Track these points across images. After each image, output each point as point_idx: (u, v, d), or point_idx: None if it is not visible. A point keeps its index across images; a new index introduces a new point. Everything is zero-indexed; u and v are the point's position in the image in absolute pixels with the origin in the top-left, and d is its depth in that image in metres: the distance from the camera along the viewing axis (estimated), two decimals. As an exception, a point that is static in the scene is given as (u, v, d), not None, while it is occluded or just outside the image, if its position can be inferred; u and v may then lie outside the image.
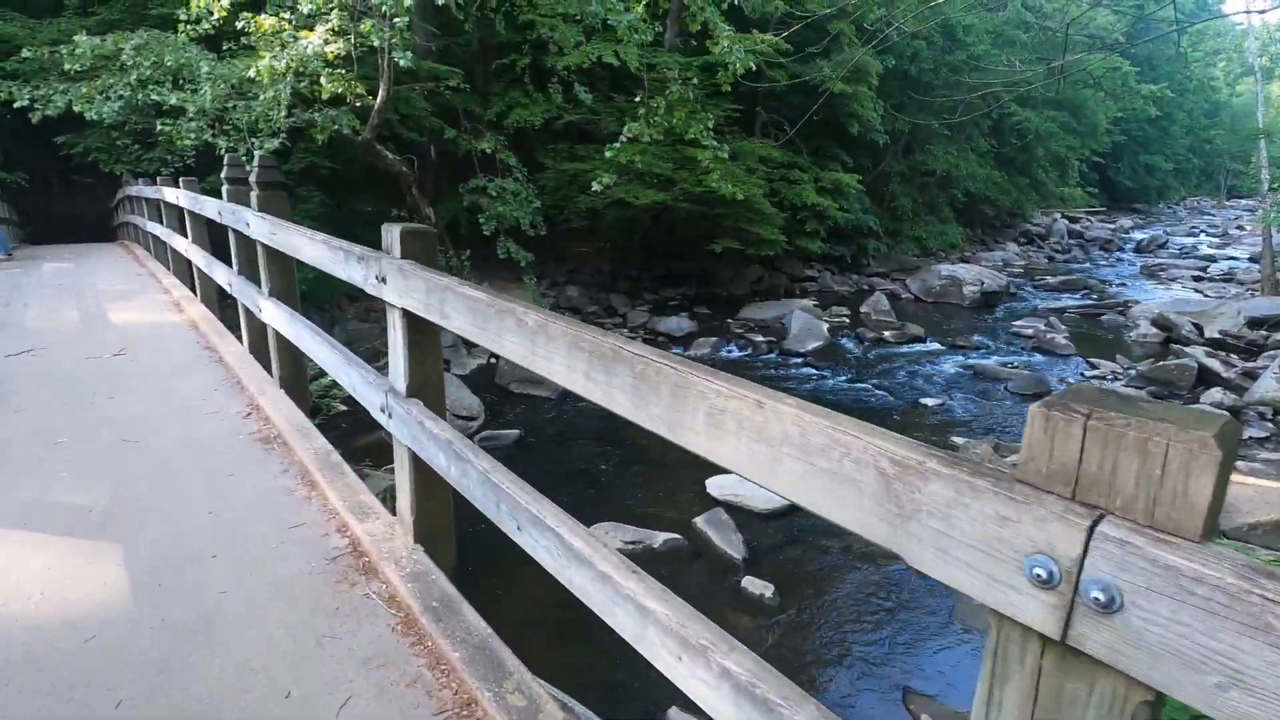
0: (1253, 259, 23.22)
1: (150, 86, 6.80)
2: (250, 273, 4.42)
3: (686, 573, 5.45)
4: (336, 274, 2.73)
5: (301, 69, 5.81)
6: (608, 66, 12.85)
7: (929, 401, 9.25)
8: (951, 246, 19.28)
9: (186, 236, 6.06)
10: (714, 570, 5.50)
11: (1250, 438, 7.96)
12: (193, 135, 6.70)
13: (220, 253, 5.74)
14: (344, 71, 6.41)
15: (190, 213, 5.76)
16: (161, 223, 6.91)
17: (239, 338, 5.02)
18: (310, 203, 9.33)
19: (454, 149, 12.46)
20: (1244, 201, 51.77)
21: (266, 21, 6.05)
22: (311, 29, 5.79)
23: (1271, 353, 10.86)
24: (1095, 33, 19.49)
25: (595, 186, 7.49)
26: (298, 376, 4.19)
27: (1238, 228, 32.01)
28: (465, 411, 8.01)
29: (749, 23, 15.04)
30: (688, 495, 6.73)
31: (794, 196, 14.13)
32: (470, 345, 11.21)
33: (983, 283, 15.65)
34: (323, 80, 6.04)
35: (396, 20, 6.02)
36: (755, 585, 5.21)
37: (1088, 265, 22.65)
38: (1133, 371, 10.66)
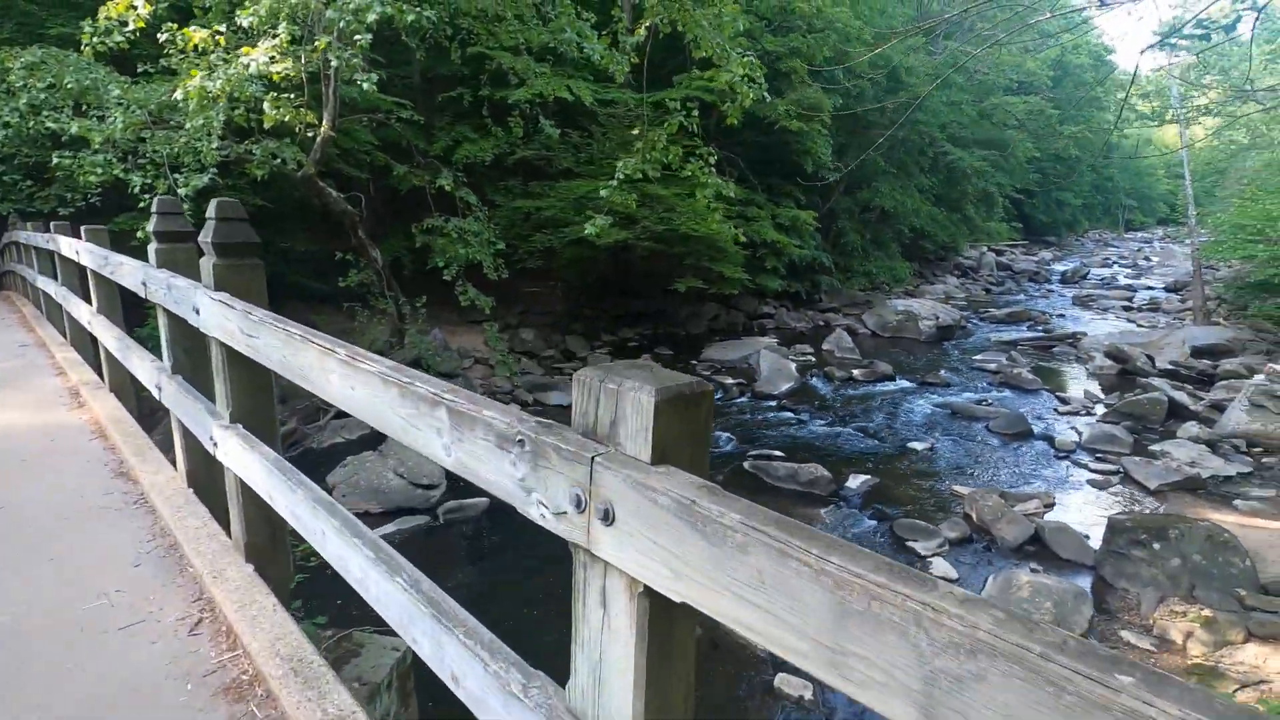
0: (1168, 288, 24.63)
1: (45, 113, 5.74)
2: (196, 378, 3.00)
3: (710, 672, 4.71)
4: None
5: (238, 93, 4.94)
6: (560, 102, 12.35)
7: (917, 445, 8.88)
8: (899, 281, 19.52)
9: (90, 303, 4.64)
10: (741, 667, 4.78)
11: (1237, 474, 7.89)
12: (99, 171, 5.66)
13: (136, 315, 4.58)
14: (291, 96, 5.54)
15: (96, 274, 4.36)
16: (56, 278, 5.62)
17: (171, 456, 3.37)
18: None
19: (398, 186, 11.60)
20: (1139, 234, 56.02)
21: (197, 35, 5.11)
22: (253, 46, 4.93)
23: (1224, 382, 11.10)
24: (1023, 79, 20.50)
25: (590, 230, 6.83)
26: (275, 545, 2.58)
27: (1144, 259, 34.13)
28: (425, 479, 7.07)
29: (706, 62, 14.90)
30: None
31: (753, 233, 13.86)
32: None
33: (938, 317, 15.74)
34: (266, 106, 5.18)
35: (358, 39, 5.22)
36: (791, 685, 4.52)
37: (1022, 297, 23.42)
38: (1099, 407, 10.67)
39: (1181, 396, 10.01)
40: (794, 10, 13.90)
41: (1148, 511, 6.93)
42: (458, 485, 7.43)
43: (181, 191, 5.01)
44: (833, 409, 10.65)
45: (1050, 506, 7.07)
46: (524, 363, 12.66)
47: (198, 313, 2.48)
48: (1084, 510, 7.08)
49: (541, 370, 12.23)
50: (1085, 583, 5.72)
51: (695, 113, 8.66)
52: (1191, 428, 9.16)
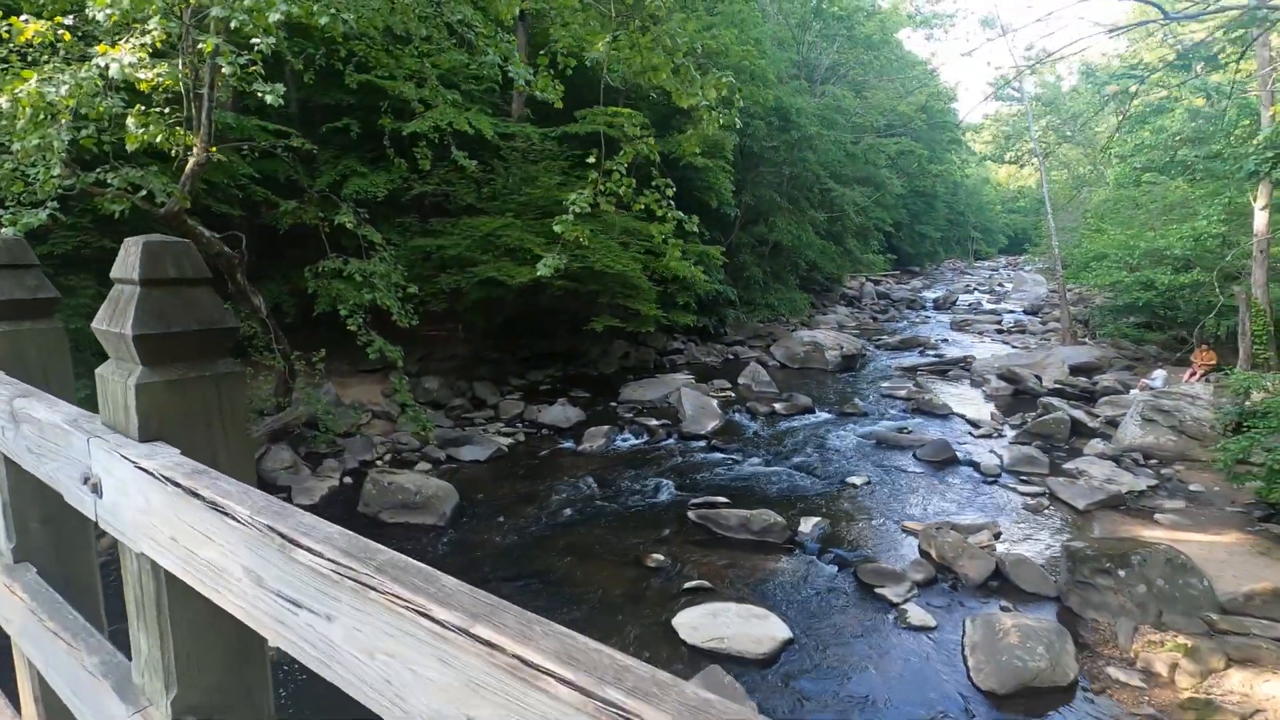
0: (1026, 311, 27.00)
1: None
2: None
3: None
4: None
5: (86, 107, 3.85)
6: (457, 136, 11.59)
7: (855, 480, 8.75)
8: (798, 312, 20.05)
9: None
10: None
11: (1147, 487, 8.30)
12: None
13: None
14: (165, 112, 4.45)
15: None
16: None
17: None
18: (83, 295, 6.89)
19: (276, 224, 10.35)
20: (986, 262, 62.09)
21: (32, 27, 3.92)
22: (111, 45, 3.87)
23: (1106, 398, 11.95)
24: (892, 121, 22.06)
25: (542, 270, 6.12)
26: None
27: (999, 285, 37.48)
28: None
29: (613, 97, 14.66)
30: (655, 642, 5.37)
31: (663, 269, 13.61)
32: (315, 464, 8.97)
33: (842, 347, 16.16)
34: (130, 122, 4.09)
35: (257, 43, 4.27)
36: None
37: (905, 323, 24.79)
38: (1008, 428, 11.13)
39: (1080, 415, 10.61)
40: (704, 48, 14.03)
41: (1094, 535, 7.07)
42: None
43: (7, 231, 3.85)
44: (762, 446, 10.41)
45: (998, 536, 7.06)
46: (430, 414, 11.57)
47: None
48: (1031, 538, 7.12)
49: (450, 422, 11.20)
50: (1056, 617, 5.62)
51: (652, 140, 8.18)
52: (1097, 444, 9.67)
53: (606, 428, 10.69)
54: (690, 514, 7.74)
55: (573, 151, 12.94)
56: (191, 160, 5.43)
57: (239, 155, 7.90)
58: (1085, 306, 24.03)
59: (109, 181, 4.55)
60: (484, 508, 8.02)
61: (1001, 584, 6.18)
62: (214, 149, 4.97)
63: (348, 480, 8.67)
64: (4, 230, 3.93)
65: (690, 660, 5.11)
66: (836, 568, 6.59)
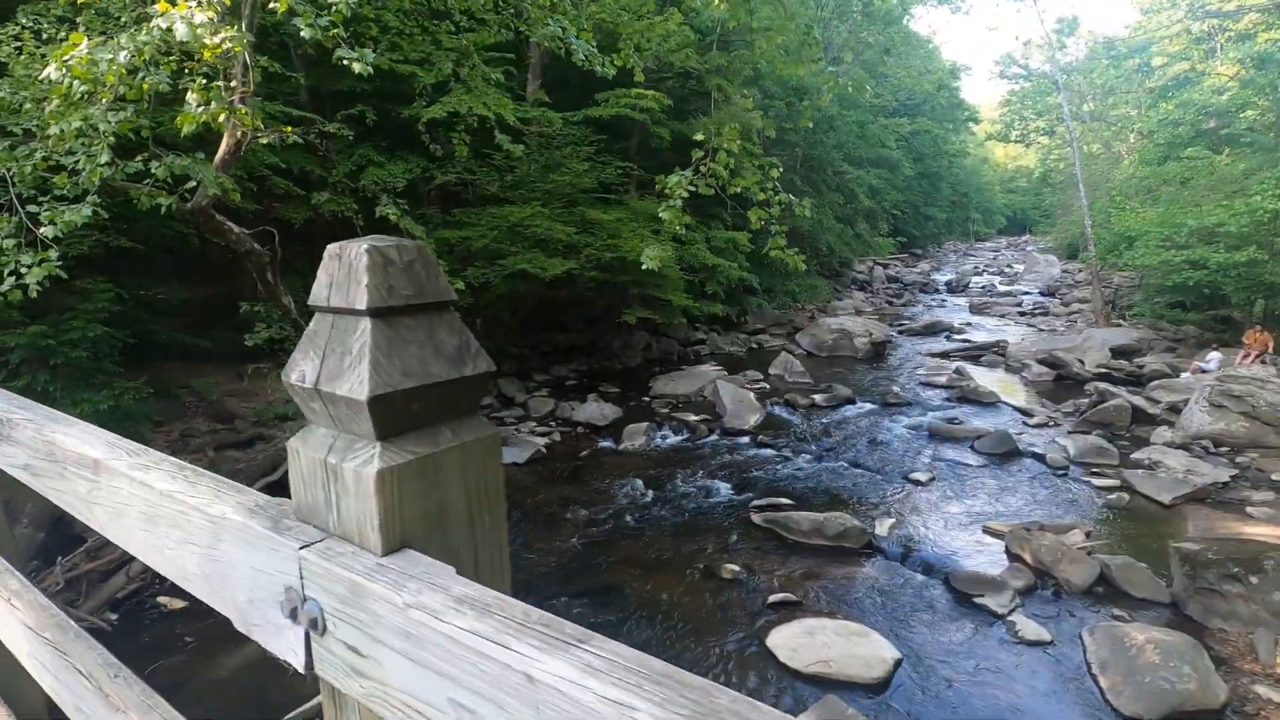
0: (1043, 292, 26.62)
1: None
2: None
3: None
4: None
5: (127, 81, 3.23)
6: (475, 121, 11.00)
7: (920, 476, 8.32)
8: (820, 299, 19.56)
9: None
10: None
11: (1230, 479, 7.90)
12: None
13: None
14: (221, 86, 3.83)
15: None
16: None
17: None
18: (100, 299, 6.35)
19: (288, 219, 9.78)
20: (987, 244, 61.71)
21: None
22: (174, 3, 3.23)
23: (1157, 382, 11.54)
24: (911, 100, 21.52)
25: (649, 263, 5.58)
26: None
27: (1009, 266, 37.07)
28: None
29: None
30: (754, 667, 4.92)
31: (691, 257, 13.12)
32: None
33: (871, 334, 15.70)
34: (191, 96, 3.49)
35: (334, 2, 3.70)
36: None
37: (920, 308, 24.36)
38: (1059, 415, 10.71)
39: (1140, 401, 10.19)
40: (732, 25, 13.43)
41: (1191, 533, 6.64)
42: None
43: (47, 231, 3.33)
44: (809, 441, 9.97)
45: (1089, 536, 6.64)
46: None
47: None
48: (1125, 537, 6.71)
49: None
50: (1179, 626, 5.21)
51: (759, 115, 7.45)
52: (1164, 432, 9.26)
53: (645, 425, 10.22)
54: (754, 518, 7.30)
55: (598, 136, 12.39)
56: (224, 144, 4.87)
57: (260, 144, 7.31)
58: (1106, 287, 23.67)
59: (152, 171, 4.02)
60: (533, 515, 7.55)
61: (1108, 590, 5.76)
62: (258, 127, 4.38)
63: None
64: (45, 231, 3.41)
65: (797, 688, 4.67)
66: (923, 575, 6.16)
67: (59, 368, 6.13)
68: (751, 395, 11.61)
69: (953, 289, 28.82)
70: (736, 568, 6.24)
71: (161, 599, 5.80)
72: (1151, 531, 6.86)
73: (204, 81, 3.55)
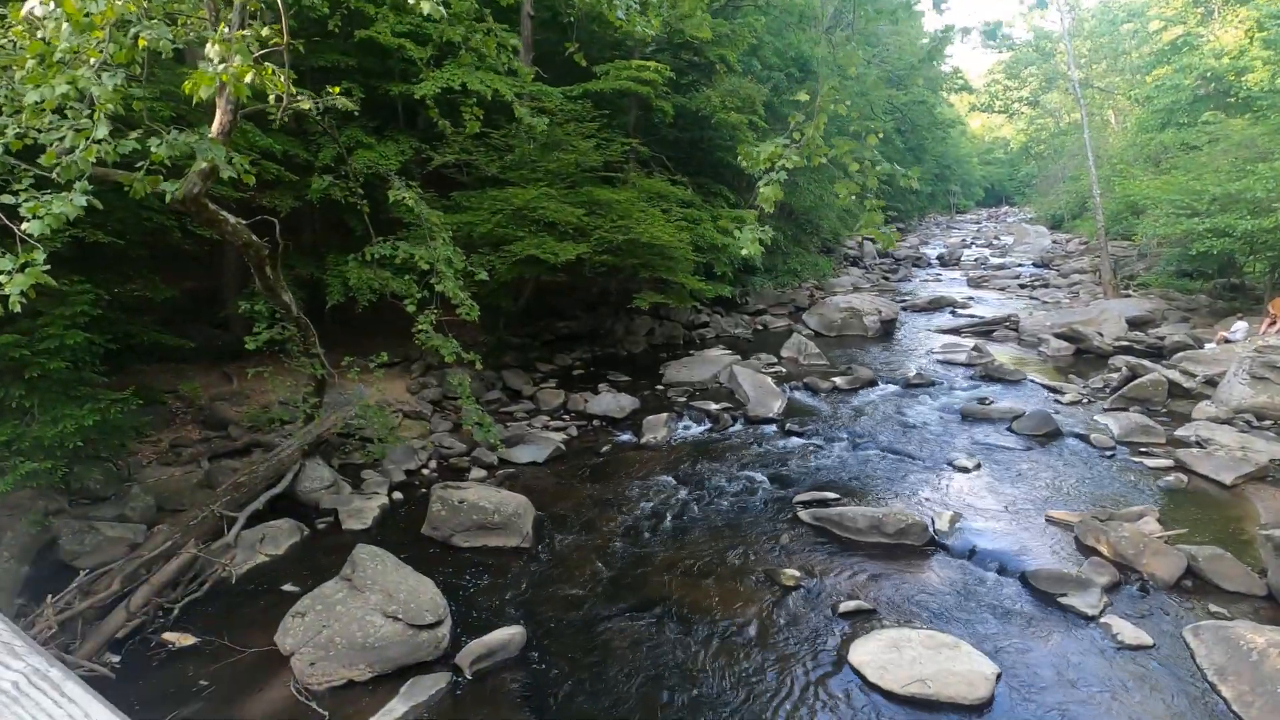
0: (1036, 264, 26.46)
1: None
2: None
3: None
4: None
5: (119, 40, 2.58)
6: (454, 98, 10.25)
7: (965, 463, 7.93)
8: (823, 276, 19.13)
9: None
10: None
11: (1283, 453, 7.61)
12: None
13: None
14: (246, 35, 3.09)
15: None
16: None
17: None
18: (78, 301, 5.63)
19: (274, 207, 9.02)
20: (968, 216, 61.76)
21: None
22: None
23: (1182, 354, 11.27)
24: (905, 70, 21.02)
25: (749, 249, 5.00)
26: None
27: (996, 239, 36.98)
28: (416, 614, 4.95)
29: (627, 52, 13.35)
30: (842, 690, 4.48)
31: (698, 237, 12.55)
32: (354, 479, 7.86)
33: (880, 311, 15.32)
34: (212, 51, 2.74)
35: None
36: None
37: (916, 282, 24.07)
38: (1090, 392, 10.41)
39: (1175, 375, 9.90)
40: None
41: (1264, 516, 6.32)
42: (466, 614, 5.39)
43: (32, 228, 2.67)
44: (838, 427, 9.54)
45: (1161, 523, 6.28)
46: (465, 410, 10.48)
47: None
48: (1197, 523, 6.37)
49: (490, 419, 10.11)
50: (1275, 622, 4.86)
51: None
52: (1207, 407, 8.97)
53: (665, 416, 9.71)
54: (802, 515, 6.86)
55: (600, 112, 11.70)
56: (219, 117, 4.17)
57: (248, 124, 6.59)
58: (1096, 256, 23.55)
59: (152, 150, 3.32)
60: (562, 521, 7.02)
61: (1197, 584, 5.41)
62: (292, 93, 3.68)
63: (397, 496, 7.60)
64: (28, 226, 2.75)
65: (894, 712, 4.24)
66: (996, 573, 5.76)
67: (35, 380, 5.44)
68: (770, 380, 11.16)
69: (945, 263, 28.62)
70: (797, 573, 5.79)
71: (167, 635, 5.20)
72: (1221, 515, 6.54)
73: (225, 30, 2.90)
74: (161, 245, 8.61)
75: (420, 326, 6.50)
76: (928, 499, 7.14)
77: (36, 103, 2.61)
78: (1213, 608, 5.10)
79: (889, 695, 4.34)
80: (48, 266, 2.71)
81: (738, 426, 9.73)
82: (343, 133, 10.48)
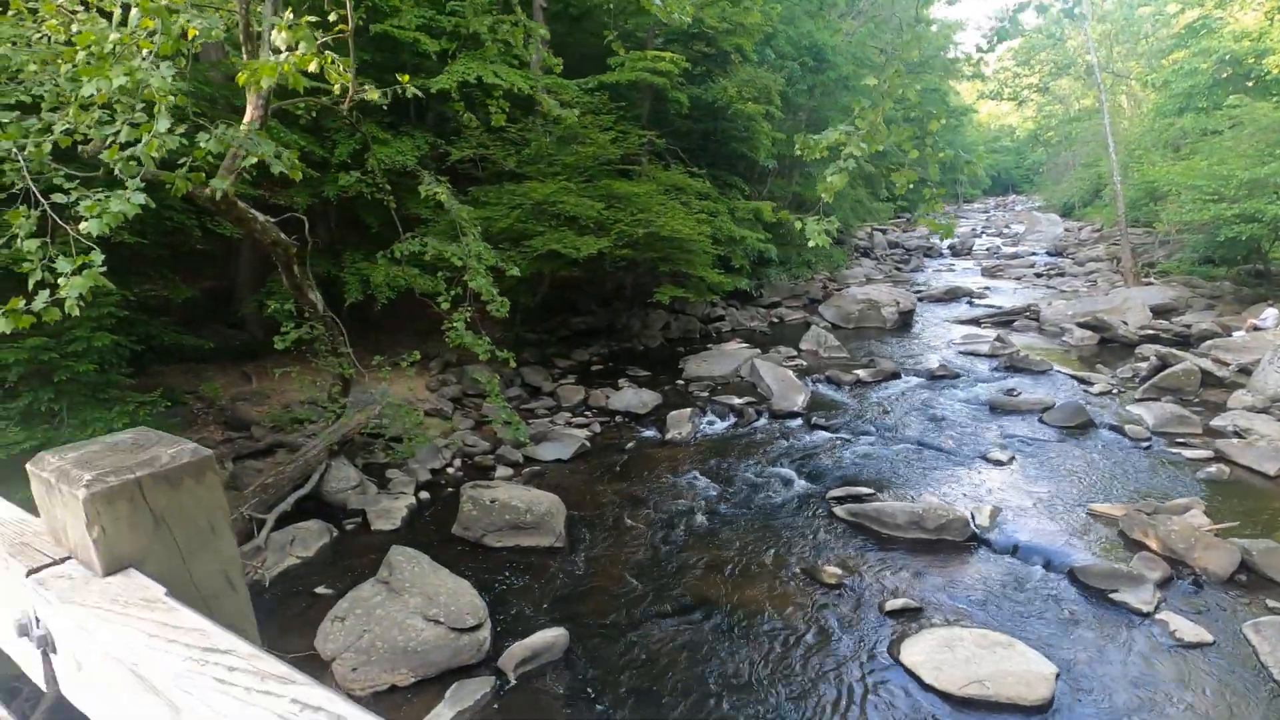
0: (1050, 252, 26.21)
1: None
2: None
3: None
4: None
5: (167, 29, 2.47)
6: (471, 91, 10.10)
7: (999, 456, 7.81)
8: (837, 268, 18.97)
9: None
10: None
11: (1325, 443, 7.47)
12: None
13: None
14: (326, 21, 2.95)
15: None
16: None
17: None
18: (106, 303, 5.54)
19: (291, 205, 8.91)
20: (973, 206, 61.35)
21: None
22: None
23: (1210, 342, 11.11)
24: (923, 57, 20.79)
25: (816, 240, 4.85)
26: None
27: (1006, 228, 36.69)
28: (456, 617, 4.87)
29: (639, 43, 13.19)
30: (895, 691, 4.38)
31: (717, 229, 12.41)
32: (378, 478, 7.78)
33: (898, 303, 15.16)
34: (279, 38, 2.57)
35: None
36: None
37: (929, 273, 23.87)
38: (1117, 381, 10.26)
39: (1207, 364, 9.75)
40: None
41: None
42: (504, 617, 5.31)
43: (90, 228, 2.57)
44: (865, 420, 9.42)
45: (1209, 516, 6.15)
46: (486, 408, 10.40)
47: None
48: (1246, 516, 6.23)
49: (518, 417, 10.02)
50: (1345, 617, 4.74)
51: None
52: (1243, 396, 8.81)
53: (689, 411, 9.60)
54: (836, 510, 6.75)
55: (618, 105, 11.55)
56: (250, 109, 4.04)
57: (273, 121, 6.47)
58: (1112, 244, 23.28)
59: (201, 144, 3.20)
60: (593, 519, 6.93)
61: (1252, 578, 5.29)
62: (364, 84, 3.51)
63: (424, 495, 7.52)
64: (86, 227, 2.64)
65: (951, 714, 4.13)
66: (1043, 569, 5.65)
67: (64, 384, 5.36)
68: (791, 373, 11.03)
69: (957, 252, 28.39)
70: (838, 570, 5.69)
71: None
72: (1268, 507, 6.41)
73: (290, 17, 2.77)
74: (181, 245, 8.53)
75: (454, 323, 6.39)
76: (964, 493, 7.02)
77: (88, 97, 2.49)
78: (1270, 603, 4.98)
79: (945, 697, 4.24)
80: (104, 268, 2.62)
81: (762, 421, 9.62)
82: (357, 130, 10.38)
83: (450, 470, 8.26)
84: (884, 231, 33.07)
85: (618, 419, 9.89)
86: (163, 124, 2.63)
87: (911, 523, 6.18)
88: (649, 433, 9.35)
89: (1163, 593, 5.14)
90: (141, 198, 2.72)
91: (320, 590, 5.75)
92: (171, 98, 2.66)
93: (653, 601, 5.52)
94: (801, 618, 5.20)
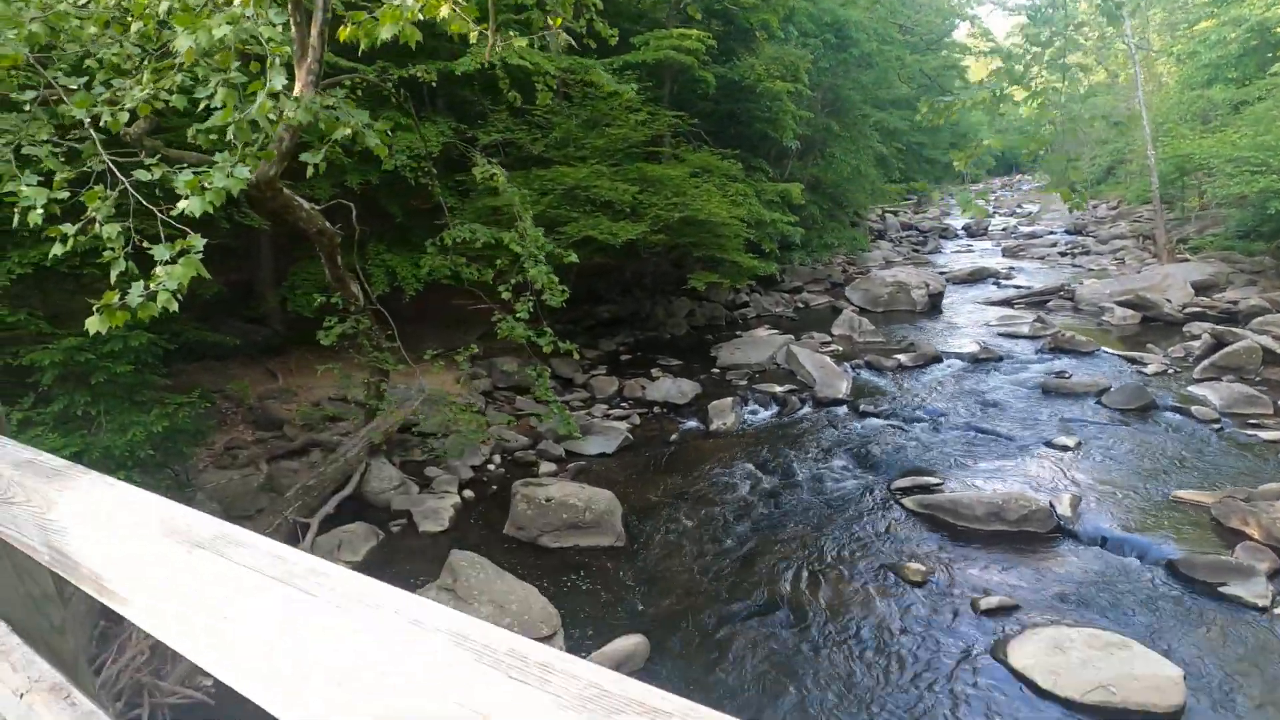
0: (1069, 231, 25.79)
1: None
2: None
3: None
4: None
5: None
6: (487, 76, 9.67)
7: (1066, 441, 7.50)
8: (860, 250, 18.61)
9: None
10: None
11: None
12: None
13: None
14: None
15: None
16: None
17: None
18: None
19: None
20: (976, 186, 60.63)
21: None
22: None
23: (1261, 319, 10.78)
24: (926, 35, 20.33)
25: (970, 214, 4.52)
26: None
27: (1018, 206, 36.25)
28: (531, 626, 4.58)
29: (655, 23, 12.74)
30: (1007, 697, 4.09)
31: (746, 212, 12.04)
32: (418, 476, 7.48)
33: (927, 285, 14.82)
34: None
35: None
36: None
37: (948, 254, 23.50)
38: (1170, 361, 9.94)
39: (1268, 341, 9.42)
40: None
41: None
42: (575, 623, 5.01)
43: (190, 208, 2.23)
44: (914, 405, 9.11)
45: (1303, 501, 5.85)
46: (520, 402, 10.10)
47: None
48: (1344, 499, 5.93)
49: (568, 411, 9.72)
50: None
51: None
52: (1311, 375, 8.49)
53: (730, 401, 9.28)
54: (905, 501, 6.46)
55: (644, 84, 11.14)
56: (298, 88, 3.69)
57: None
58: (1137, 220, 22.89)
59: (286, 114, 2.85)
60: (649, 516, 6.64)
61: (1367, 567, 4.99)
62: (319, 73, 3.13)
63: (468, 494, 7.22)
64: (184, 206, 2.30)
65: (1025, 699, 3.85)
66: (1139, 561, 5.35)
67: (100, 386, 5.05)
68: (830, 360, 10.72)
69: (972, 233, 28.02)
70: (921, 567, 5.40)
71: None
72: (1363, 490, 6.09)
73: None
74: (209, 237, 8.18)
75: (518, 313, 6.07)
76: (1035, 481, 6.72)
77: (176, 56, 2.15)
78: (1393, 594, 4.68)
79: (1067, 704, 3.95)
80: (202, 254, 2.29)
81: (806, 409, 9.31)
82: (381, 115, 10.00)
83: (491, 467, 7.97)
84: (895, 214, 32.66)
85: (656, 410, 9.58)
86: (278, 80, 2.28)
87: (991, 514, 5.88)
88: (691, 423, 9.04)
89: (1275, 585, 4.85)
90: (246, 171, 2.39)
91: (375, 597, 5.46)
92: (286, 49, 2.33)
93: (728, 602, 5.23)
94: (891, 618, 4.91)
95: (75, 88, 2.43)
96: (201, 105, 2.43)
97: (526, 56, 9.43)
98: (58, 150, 2.44)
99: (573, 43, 12.20)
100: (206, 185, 2.25)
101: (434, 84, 9.78)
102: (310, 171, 3.10)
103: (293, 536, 6.01)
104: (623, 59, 11.52)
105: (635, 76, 10.97)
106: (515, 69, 8.99)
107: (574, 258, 6.82)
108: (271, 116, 2.38)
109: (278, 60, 2.30)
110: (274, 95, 2.29)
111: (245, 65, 2.40)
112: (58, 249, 2.17)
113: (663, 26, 12.72)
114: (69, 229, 2.15)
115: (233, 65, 2.34)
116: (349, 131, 3.21)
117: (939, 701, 4.08)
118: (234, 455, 7.76)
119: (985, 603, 4.89)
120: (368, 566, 5.92)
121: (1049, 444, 7.53)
